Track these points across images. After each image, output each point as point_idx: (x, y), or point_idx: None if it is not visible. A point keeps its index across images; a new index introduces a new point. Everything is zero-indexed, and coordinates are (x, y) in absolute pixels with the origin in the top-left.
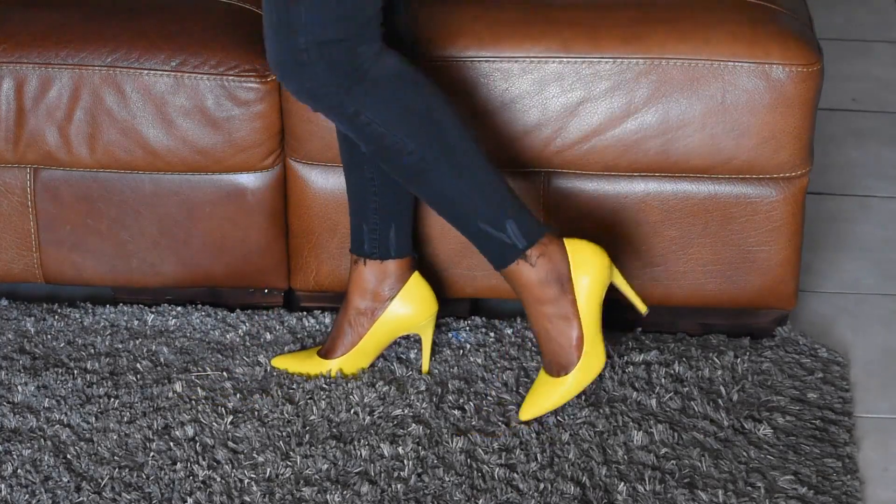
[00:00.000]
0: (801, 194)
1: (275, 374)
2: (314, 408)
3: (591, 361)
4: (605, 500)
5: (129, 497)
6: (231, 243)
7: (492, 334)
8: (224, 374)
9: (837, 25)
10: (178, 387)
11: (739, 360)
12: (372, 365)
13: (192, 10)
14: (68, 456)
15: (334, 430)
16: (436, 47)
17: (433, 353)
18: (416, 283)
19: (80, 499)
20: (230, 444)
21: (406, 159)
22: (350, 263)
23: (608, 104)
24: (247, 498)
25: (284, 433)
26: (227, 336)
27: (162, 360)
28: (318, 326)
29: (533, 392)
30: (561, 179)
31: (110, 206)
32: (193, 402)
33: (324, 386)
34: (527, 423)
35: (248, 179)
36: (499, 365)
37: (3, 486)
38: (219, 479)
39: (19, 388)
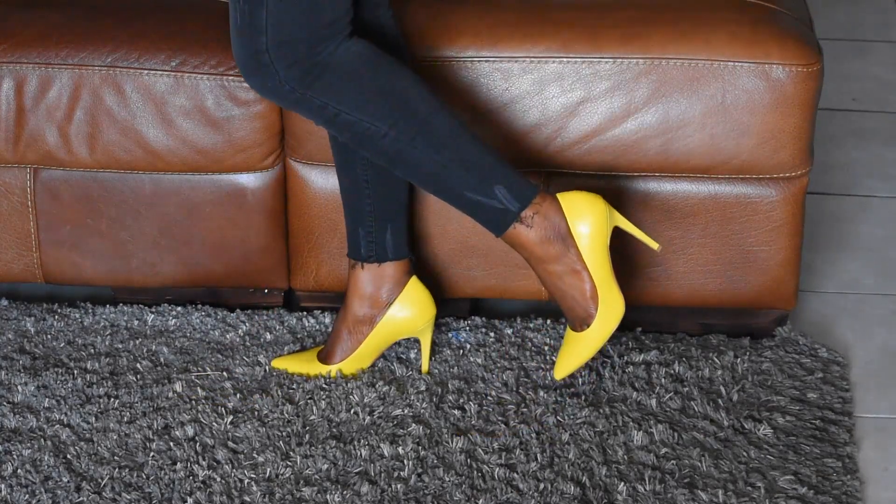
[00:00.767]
0: (801, 194)
1: (275, 374)
2: (314, 408)
3: (609, 309)
4: (605, 500)
5: (129, 497)
6: (231, 243)
7: (492, 334)
8: (224, 374)
9: (837, 25)
10: (178, 387)
11: (739, 360)
12: (372, 365)
13: (192, 10)
14: (68, 456)
15: (334, 430)
16: (436, 47)
17: (433, 353)
18: (415, 287)
19: (80, 499)
20: (230, 444)
21: (382, 142)
22: (348, 269)
23: (608, 104)
24: (247, 498)
25: (284, 433)
26: (227, 336)
27: (162, 360)
28: (318, 326)
29: (563, 351)
30: (561, 179)
31: (110, 206)
32: (193, 402)
33: (324, 386)
34: (562, 380)
35: (248, 179)
36: (499, 365)
37: (3, 486)
38: (219, 479)
39: (19, 388)
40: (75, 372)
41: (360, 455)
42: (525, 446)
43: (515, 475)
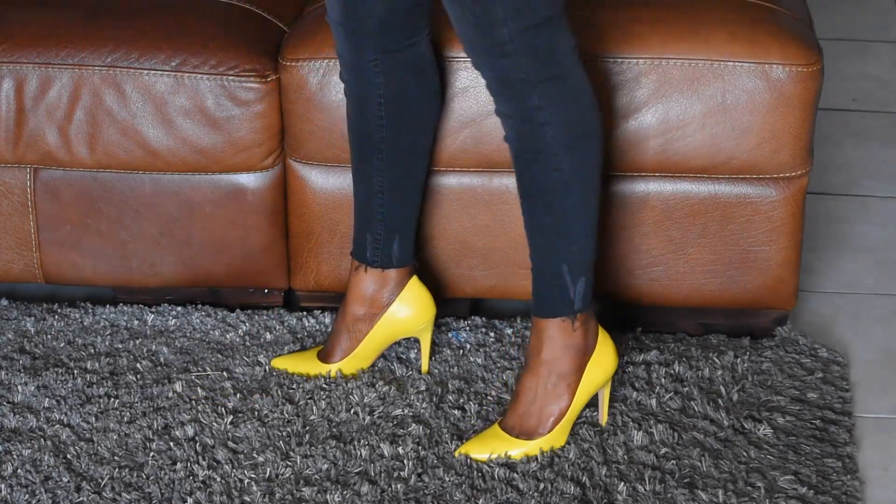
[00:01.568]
0: (801, 194)
1: (275, 374)
2: (314, 408)
3: (557, 437)
4: (605, 500)
5: (129, 497)
6: (231, 243)
7: (492, 334)
8: (224, 374)
9: (837, 25)
10: (178, 387)
11: (739, 360)
12: (372, 365)
13: (192, 10)
14: (68, 456)
15: (334, 430)
16: (438, 48)
17: (433, 353)
18: (415, 287)
19: (80, 499)
20: (230, 444)
21: (552, 175)
22: (350, 267)
23: (608, 104)
24: (247, 498)
25: (284, 433)
26: (227, 336)
27: (162, 360)
28: (318, 326)
29: (480, 438)
30: None
31: (110, 206)
32: (193, 402)
33: (324, 386)
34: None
35: (248, 179)
36: (499, 365)
37: (3, 486)
38: (219, 479)
39: (19, 388)
40: (75, 372)
41: (360, 455)
42: None
43: (515, 475)
